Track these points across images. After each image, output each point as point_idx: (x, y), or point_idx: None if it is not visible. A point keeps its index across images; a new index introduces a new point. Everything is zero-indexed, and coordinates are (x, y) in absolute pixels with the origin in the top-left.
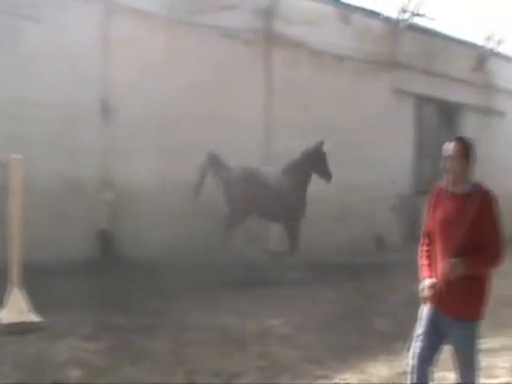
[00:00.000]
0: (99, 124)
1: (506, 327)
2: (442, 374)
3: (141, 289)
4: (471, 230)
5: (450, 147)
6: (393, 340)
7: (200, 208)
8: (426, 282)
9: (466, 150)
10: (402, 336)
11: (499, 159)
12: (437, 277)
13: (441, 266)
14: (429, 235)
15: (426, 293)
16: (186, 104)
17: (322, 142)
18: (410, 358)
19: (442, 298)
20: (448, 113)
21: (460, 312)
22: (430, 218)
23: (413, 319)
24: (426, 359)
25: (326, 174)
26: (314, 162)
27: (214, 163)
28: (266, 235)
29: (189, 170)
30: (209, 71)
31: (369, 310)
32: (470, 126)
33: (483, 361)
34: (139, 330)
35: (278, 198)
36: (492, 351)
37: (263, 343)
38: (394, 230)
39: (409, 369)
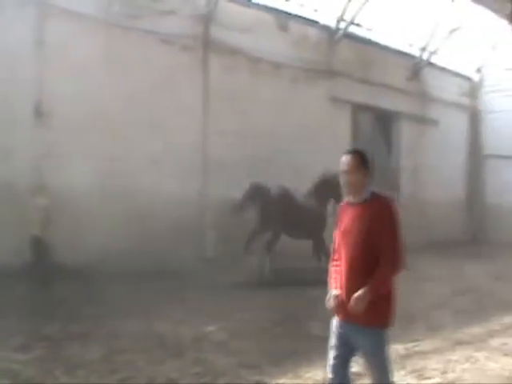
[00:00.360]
0: (33, 128)
1: (437, 329)
2: None
3: (74, 296)
4: (368, 238)
5: (344, 161)
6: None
7: (137, 214)
8: (331, 293)
9: (359, 162)
10: None
11: (433, 167)
12: (341, 288)
13: (344, 276)
14: (338, 247)
15: (331, 304)
16: (122, 109)
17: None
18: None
19: (347, 308)
20: (384, 121)
21: (366, 320)
22: (336, 231)
23: None
24: (339, 370)
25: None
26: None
27: (258, 193)
28: (203, 242)
29: (125, 176)
30: (146, 76)
31: (306, 314)
32: (404, 134)
33: (416, 364)
34: (72, 338)
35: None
36: (424, 353)
37: (199, 349)
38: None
39: (327, 381)
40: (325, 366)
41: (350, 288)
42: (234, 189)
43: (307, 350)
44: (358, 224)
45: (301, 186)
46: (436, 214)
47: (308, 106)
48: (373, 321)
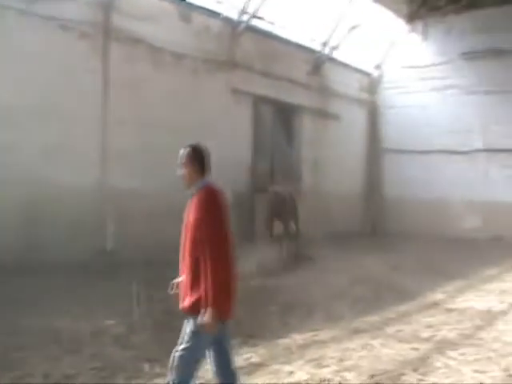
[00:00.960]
0: None
1: (336, 319)
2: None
3: None
4: (194, 231)
5: (179, 155)
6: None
7: (31, 207)
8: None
9: (191, 156)
10: (238, 332)
11: (334, 160)
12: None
13: (182, 265)
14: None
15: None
16: (18, 96)
17: None
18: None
19: (183, 300)
20: (285, 114)
21: (191, 308)
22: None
23: (248, 316)
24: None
25: None
26: None
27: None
28: (103, 234)
29: (18, 166)
30: (42, 63)
31: None
32: (306, 128)
33: (314, 353)
34: None
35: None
36: (322, 343)
37: (97, 344)
38: (232, 227)
39: None
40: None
41: (186, 282)
42: (133, 179)
43: None
44: (188, 216)
45: None
46: (337, 206)
47: (209, 97)
48: (194, 310)
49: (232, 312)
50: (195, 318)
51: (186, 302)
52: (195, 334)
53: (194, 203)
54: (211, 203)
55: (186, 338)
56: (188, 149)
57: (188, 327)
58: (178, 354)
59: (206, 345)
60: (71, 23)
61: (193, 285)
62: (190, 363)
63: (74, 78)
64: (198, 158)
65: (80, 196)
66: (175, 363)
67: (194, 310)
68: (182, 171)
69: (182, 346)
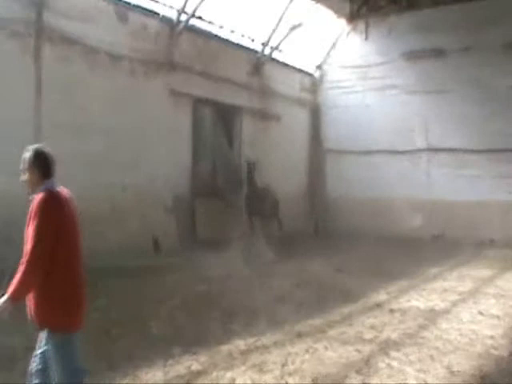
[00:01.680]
0: None
1: (279, 323)
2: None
3: None
4: (30, 235)
5: (22, 159)
6: (169, 344)
7: None
8: None
9: (32, 159)
10: (179, 340)
11: (276, 161)
12: None
13: None
14: None
15: None
16: None
17: None
18: None
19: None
20: (226, 115)
21: (39, 322)
22: None
23: (189, 323)
24: (40, 372)
25: None
26: None
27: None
28: None
29: None
30: None
31: (145, 314)
32: (246, 129)
33: (256, 358)
34: None
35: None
36: (265, 348)
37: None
38: (171, 232)
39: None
40: (164, 366)
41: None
42: (68, 185)
43: (147, 350)
44: (27, 221)
45: (137, 182)
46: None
47: (147, 99)
48: (45, 323)
49: (80, 323)
50: (49, 333)
51: (36, 314)
52: (54, 347)
53: (31, 209)
54: (43, 209)
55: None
56: (29, 153)
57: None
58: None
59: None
60: (0, 21)
61: (38, 295)
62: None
63: (4, 79)
64: (39, 163)
65: (10, 202)
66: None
67: (45, 323)
68: (24, 176)
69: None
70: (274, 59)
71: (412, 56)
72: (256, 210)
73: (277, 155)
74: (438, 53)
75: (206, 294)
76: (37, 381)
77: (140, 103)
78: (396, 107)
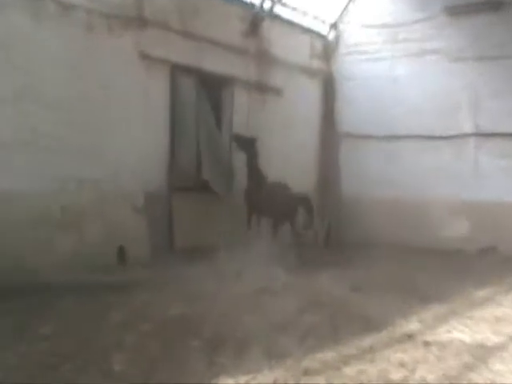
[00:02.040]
0: None
1: (280, 357)
2: None
3: None
4: None
5: None
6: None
7: None
8: None
9: None
10: (149, 378)
11: (276, 146)
12: None
13: None
14: None
15: None
16: None
17: None
18: None
19: None
20: (212, 88)
21: None
22: None
23: (163, 355)
24: None
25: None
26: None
27: None
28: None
29: None
30: None
31: (106, 344)
32: (239, 105)
33: None
34: None
35: None
36: None
37: None
38: (141, 239)
39: None
40: None
41: None
42: (6, 176)
43: None
44: None
45: (97, 174)
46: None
47: (110, 64)
48: None
49: None
50: None
51: None
52: None
53: None
54: None
55: None
56: None
57: None
58: None
59: None
60: None
61: None
62: None
63: None
64: None
65: None
66: None
67: None
68: None
69: None
70: (275, 15)
71: (458, 10)
72: (262, 211)
73: (278, 140)
74: (495, 5)
75: (185, 317)
76: None
77: (100, 69)
78: (436, 79)
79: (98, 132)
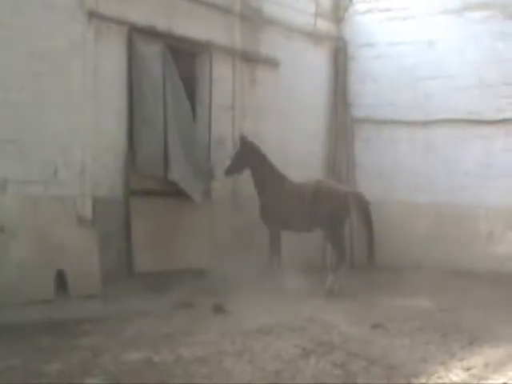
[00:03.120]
0: None
1: None
2: None
3: None
4: None
5: None
6: None
7: None
8: None
9: None
10: None
11: (272, 139)
12: None
13: None
14: None
15: None
16: None
17: None
18: None
19: None
20: (185, 58)
21: None
22: None
23: None
24: None
25: None
26: None
27: None
28: None
29: None
30: None
31: None
32: (221, 82)
33: None
34: None
35: None
36: None
37: None
38: (89, 261)
39: None
40: None
41: None
42: None
43: None
44: None
45: (27, 175)
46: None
47: (46, 25)
48: None
49: None
50: None
51: None
52: None
53: None
54: None
55: None
56: None
57: None
58: None
59: None
60: None
61: None
62: None
63: None
64: None
65: None
66: None
67: None
68: None
69: None
70: None
71: None
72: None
73: (272, 127)
74: None
75: (147, 367)
76: None
77: (30, 32)
78: (485, 44)
79: (25, 116)
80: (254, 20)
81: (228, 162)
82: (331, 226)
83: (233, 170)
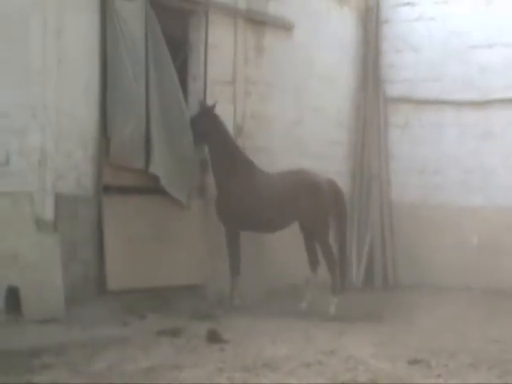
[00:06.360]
0: None
1: None
2: None
3: None
4: None
5: None
6: None
7: None
8: None
9: None
10: None
11: (283, 123)
12: None
13: None
14: None
15: None
16: None
17: None
18: None
19: None
20: (174, 17)
21: None
22: None
23: None
24: None
25: None
26: None
27: None
28: None
29: None
30: None
31: None
32: (220, 50)
33: None
34: None
35: None
36: None
37: None
38: (50, 275)
39: None
40: None
41: None
42: None
43: None
44: None
45: None
46: None
47: None
48: None
49: None
50: None
51: None
52: None
53: None
54: None
55: None
56: None
57: None
58: None
59: None
60: None
61: None
62: None
63: None
64: None
65: None
66: None
67: None
68: None
69: None
70: None
71: None
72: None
73: (284, 107)
74: None
75: None
76: None
77: None
78: None
79: None
80: None
81: None
82: (315, 227)
83: (196, 141)
